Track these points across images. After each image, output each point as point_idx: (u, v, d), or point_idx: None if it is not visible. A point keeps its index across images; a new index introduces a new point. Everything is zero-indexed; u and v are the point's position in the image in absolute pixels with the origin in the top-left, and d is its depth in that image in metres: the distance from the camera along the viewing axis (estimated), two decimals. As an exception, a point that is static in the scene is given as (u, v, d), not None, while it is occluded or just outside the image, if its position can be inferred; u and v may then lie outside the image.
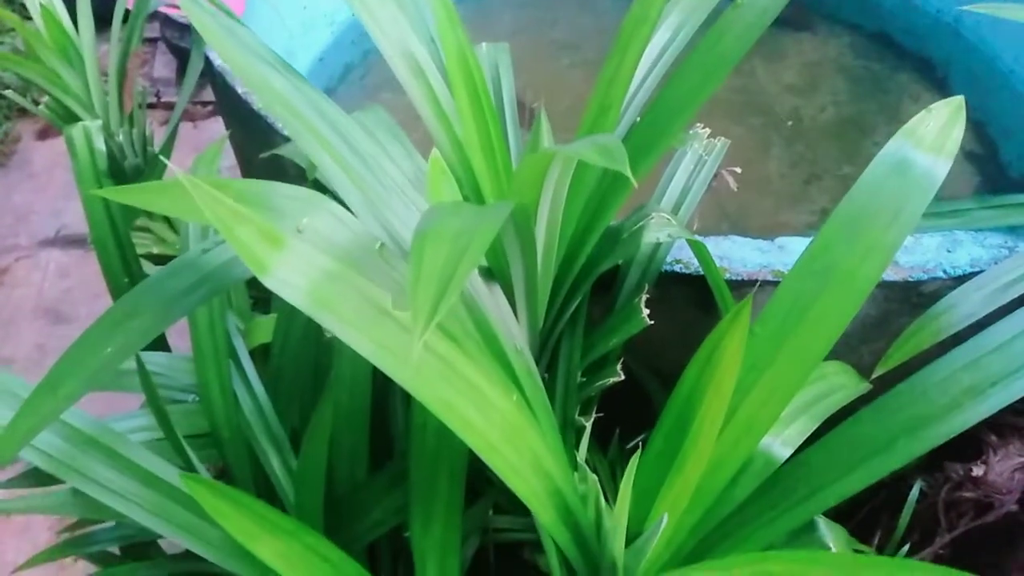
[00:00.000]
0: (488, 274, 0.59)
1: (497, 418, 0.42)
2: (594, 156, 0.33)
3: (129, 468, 0.52)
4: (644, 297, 0.66)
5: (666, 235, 0.62)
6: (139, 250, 0.90)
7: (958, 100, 0.47)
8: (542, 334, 0.68)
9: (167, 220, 1.05)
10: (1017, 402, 0.94)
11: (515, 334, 0.57)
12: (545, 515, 0.46)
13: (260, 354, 0.75)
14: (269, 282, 0.33)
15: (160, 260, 1.02)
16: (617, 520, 0.47)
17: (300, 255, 0.34)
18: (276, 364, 0.72)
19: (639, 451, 0.45)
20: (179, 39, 1.98)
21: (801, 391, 0.59)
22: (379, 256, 0.39)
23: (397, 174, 0.50)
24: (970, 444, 0.88)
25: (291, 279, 0.33)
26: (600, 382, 0.69)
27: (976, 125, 1.39)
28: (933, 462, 0.90)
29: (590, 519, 0.54)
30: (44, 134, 1.96)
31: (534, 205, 0.46)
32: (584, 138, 0.42)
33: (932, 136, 0.46)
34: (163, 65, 2.09)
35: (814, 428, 0.54)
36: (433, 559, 0.56)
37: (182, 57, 1.99)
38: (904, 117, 0.48)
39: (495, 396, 0.42)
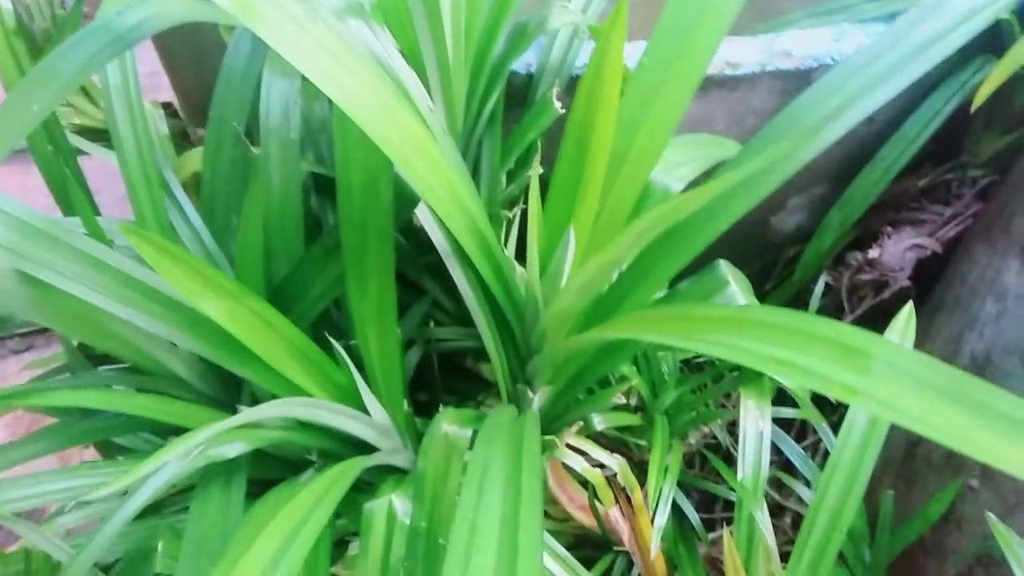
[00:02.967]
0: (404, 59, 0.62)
1: (412, 139, 0.46)
2: None
3: (77, 254, 0.54)
4: (555, 90, 0.70)
5: (570, 21, 0.65)
6: (61, 121, 0.90)
7: None
8: (463, 137, 0.72)
9: (86, 94, 1.04)
10: (910, 199, 1.01)
11: (432, 112, 0.61)
12: (467, 242, 0.51)
13: (193, 184, 0.77)
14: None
15: (81, 130, 1.02)
16: (530, 245, 0.51)
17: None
18: (209, 190, 0.74)
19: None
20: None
21: (697, 149, 0.64)
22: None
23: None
24: (869, 238, 0.96)
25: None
26: (522, 178, 0.73)
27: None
28: (838, 259, 0.98)
29: (521, 295, 0.59)
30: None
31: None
32: None
33: None
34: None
35: (704, 169, 0.59)
36: (372, 322, 0.60)
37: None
38: None
39: (408, 121, 0.46)
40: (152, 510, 0.73)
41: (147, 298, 0.56)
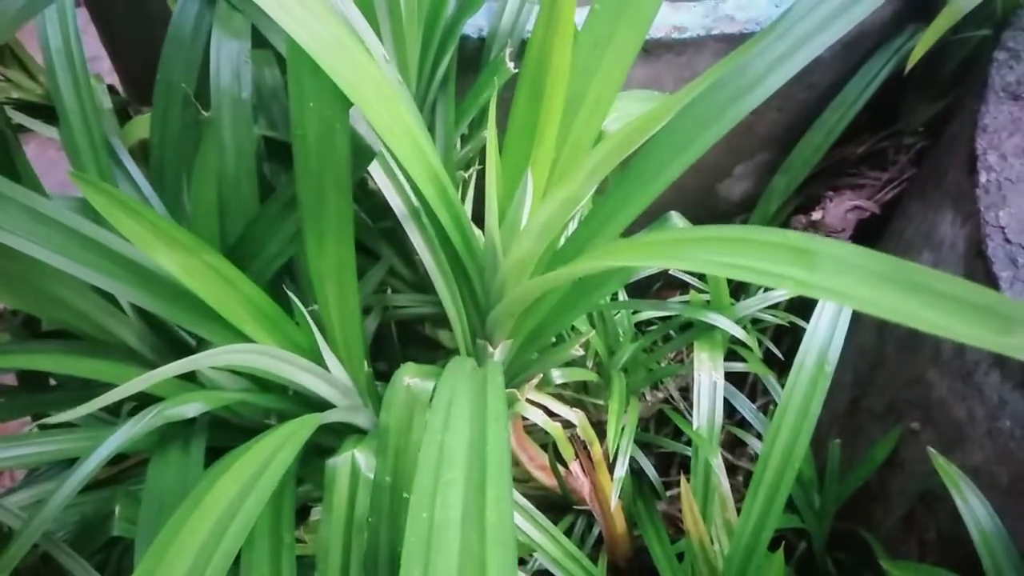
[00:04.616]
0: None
1: (368, 78, 0.46)
2: None
3: (20, 208, 0.52)
4: (508, 51, 0.71)
5: (521, -19, 0.66)
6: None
7: None
8: (417, 99, 0.72)
9: (24, 68, 1.01)
10: (850, 166, 1.05)
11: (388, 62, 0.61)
12: (426, 188, 0.51)
13: (140, 152, 0.76)
14: None
15: (20, 105, 0.99)
16: (489, 191, 0.52)
17: None
18: (157, 156, 0.73)
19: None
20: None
21: (648, 102, 0.66)
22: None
23: None
24: (812, 203, 0.99)
25: None
26: (476, 140, 0.74)
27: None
28: (784, 225, 1.01)
29: (480, 247, 0.59)
30: None
31: None
32: None
33: None
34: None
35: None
36: (331, 280, 0.60)
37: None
38: None
39: (365, 61, 0.46)
40: (107, 482, 0.72)
41: (95, 254, 0.55)
